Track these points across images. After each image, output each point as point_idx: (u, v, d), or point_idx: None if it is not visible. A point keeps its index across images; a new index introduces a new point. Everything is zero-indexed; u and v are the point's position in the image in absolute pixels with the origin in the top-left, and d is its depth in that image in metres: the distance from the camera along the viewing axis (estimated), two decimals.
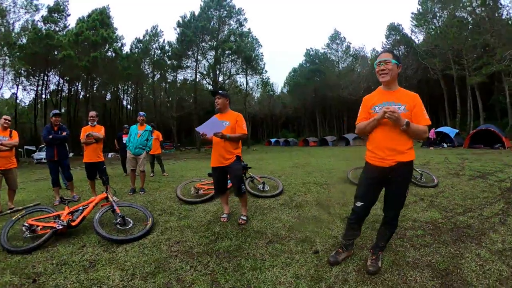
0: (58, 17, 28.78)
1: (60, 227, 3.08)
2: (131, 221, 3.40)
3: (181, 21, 28.99)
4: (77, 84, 30.96)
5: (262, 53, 32.32)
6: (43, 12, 26.89)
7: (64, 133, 5.00)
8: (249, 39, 30.75)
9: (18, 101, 31.90)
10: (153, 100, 34.43)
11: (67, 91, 30.84)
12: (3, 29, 22.96)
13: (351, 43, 44.36)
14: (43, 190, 6.64)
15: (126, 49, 32.31)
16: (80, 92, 31.72)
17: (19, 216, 3.30)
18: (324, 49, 44.21)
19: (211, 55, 29.91)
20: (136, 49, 33.06)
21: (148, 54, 32.70)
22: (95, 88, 31.30)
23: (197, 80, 31.15)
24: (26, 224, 3.10)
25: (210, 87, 30.23)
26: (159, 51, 32.77)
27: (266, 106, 49.57)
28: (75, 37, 26.56)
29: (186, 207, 4.33)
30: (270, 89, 52.44)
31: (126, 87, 34.51)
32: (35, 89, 29.25)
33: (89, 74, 27.83)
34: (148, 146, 5.77)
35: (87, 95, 30.41)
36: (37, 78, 28.64)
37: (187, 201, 4.61)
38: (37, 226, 3.14)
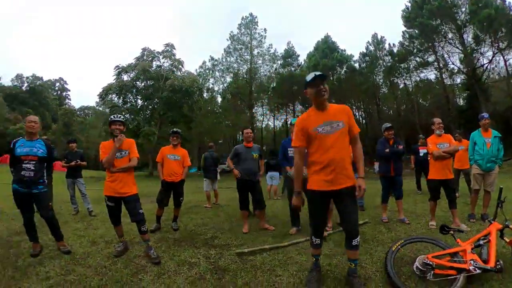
0: (291, 60, 35.34)
1: (477, 271, 2.31)
2: None
3: (411, 8, 25.31)
4: None
5: None
6: (280, 61, 34.23)
7: (401, 147, 4.88)
8: None
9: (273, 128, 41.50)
10: (386, 111, 31.70)
11: None
12: (259, 81, 32.56)
13: None
14: None
15: (355, 65, 32.81)
16: None
17: (399, 246, 2.74)
18: None
19: (452, 39, 23.80)
20: (364, 64, 32.51)
21: (376, 64, 31.23)
22: None
23: (443, 75, 25.45)
24: (429, 261, 2.42)
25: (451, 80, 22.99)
26: (389, 57, 30.27)
27: None
28: (314, 68, 30.35)
29: None
30: None
31: (359, 103, 34.53)
32: (285, 116, 36.77)
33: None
34: (499, 158, 4.56)
35: None
36: (285, 108, 35.87)
37: None
38: (436, 264, 2.43)
